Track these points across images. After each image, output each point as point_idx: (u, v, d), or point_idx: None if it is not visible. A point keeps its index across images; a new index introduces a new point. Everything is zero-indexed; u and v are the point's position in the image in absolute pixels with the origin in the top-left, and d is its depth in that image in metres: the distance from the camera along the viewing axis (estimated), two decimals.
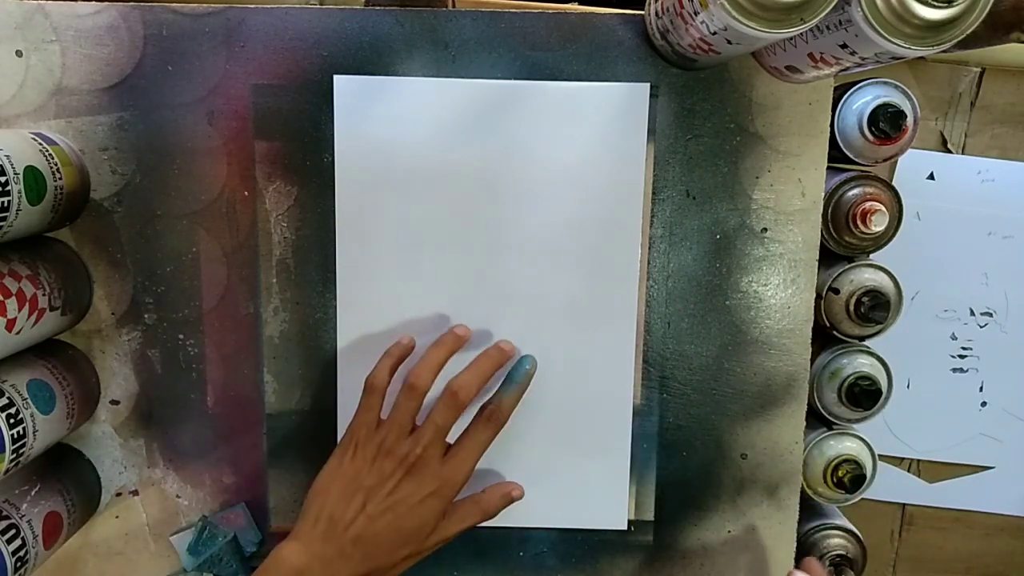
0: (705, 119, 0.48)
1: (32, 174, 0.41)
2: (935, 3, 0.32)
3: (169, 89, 0.47)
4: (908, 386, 0.63)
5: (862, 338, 0.52)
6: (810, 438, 0.52)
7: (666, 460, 0.51)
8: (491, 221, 0.48)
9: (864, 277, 0.50)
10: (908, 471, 0.65)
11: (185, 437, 0.50)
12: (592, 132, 0.47)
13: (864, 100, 0.49)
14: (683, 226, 0.49)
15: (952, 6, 0.32)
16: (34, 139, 0.43)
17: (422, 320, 0.49)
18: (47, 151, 0.43)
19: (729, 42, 0.38)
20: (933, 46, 0.33)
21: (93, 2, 0.46)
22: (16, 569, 0.41)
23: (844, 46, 0.36)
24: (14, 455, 0.40)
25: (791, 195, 0.49)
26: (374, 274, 0.48)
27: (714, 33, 0.37)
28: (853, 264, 0.51)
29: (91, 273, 0.48)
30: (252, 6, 0.46)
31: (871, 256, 0.52)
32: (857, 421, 0.52)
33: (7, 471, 0.40)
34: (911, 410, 0.63)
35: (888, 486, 0.65)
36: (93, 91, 0.47)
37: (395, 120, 0.47)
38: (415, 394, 0.43)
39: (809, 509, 0.54)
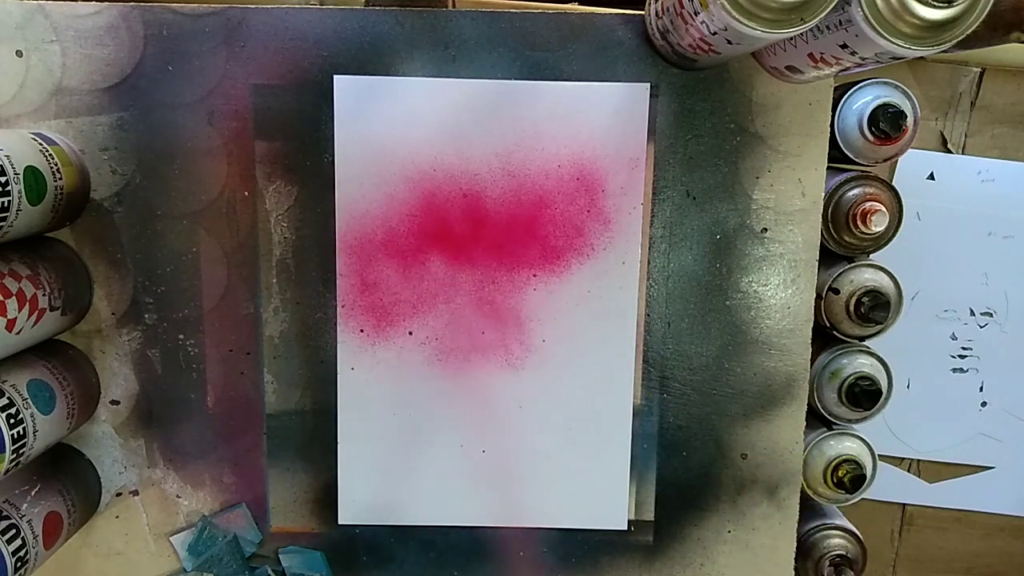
0: (705, 119, 0.48)
1: (32, 174, 0.41)
2: (935, 3, 0.32)
3: (169, 89, 0.47)
4: (908, 386, 0.63)
5: (862, 338, 0.52)
6: (810, 438, 0.52)
7: (666, 460, 0.51)
8: (491, 221, 0.48)
9: (864, 277, 0.50)
10: (908, 471, 0.65)
11: (185, 437, 0.50)
12: (592, 132, 0.47)
13: (864, 100, 0.49)
14: (683, 226, 0.49)
15: (952, 6, 0.32)
16: (34, 139, 0.43)
17: (423, 319, 0.49)
18: (47, 151, 0.43)
19: (729, 42, 0.38)
20: (933, 46, 0.33)
21: (93, 2, 0.46)
22: (16, 569, 0.41)
23: (844, 46, 0.36)
24: (14, 455, 0.40)
25: (791, 195, 0.49)
26: (374, 273, 0.48)
27: (714, 33, 0.37)
28: (853, 264, 0.51)
29: (91, 273, 0.48)
30: (252, 6, 0.46)
31: (871, 256, 0.51)
32: (857, 421, 0.52)
33: (7, 471, 0.40)
34: (911, 410, 0.63)
35: (888, 486, 0.65)
36: (93, 91, 0.47)
37: (395, 120, 0.47)
38: None
39: (809, 509, 0.54)
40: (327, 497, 0.51)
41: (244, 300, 0.49)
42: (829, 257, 0.51)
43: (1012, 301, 0.63)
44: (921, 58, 0.56)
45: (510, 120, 0.47)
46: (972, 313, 0.63)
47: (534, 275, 0.49)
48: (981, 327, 0.63)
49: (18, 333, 0.41)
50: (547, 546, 0.52)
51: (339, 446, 0.50)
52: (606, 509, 0.51)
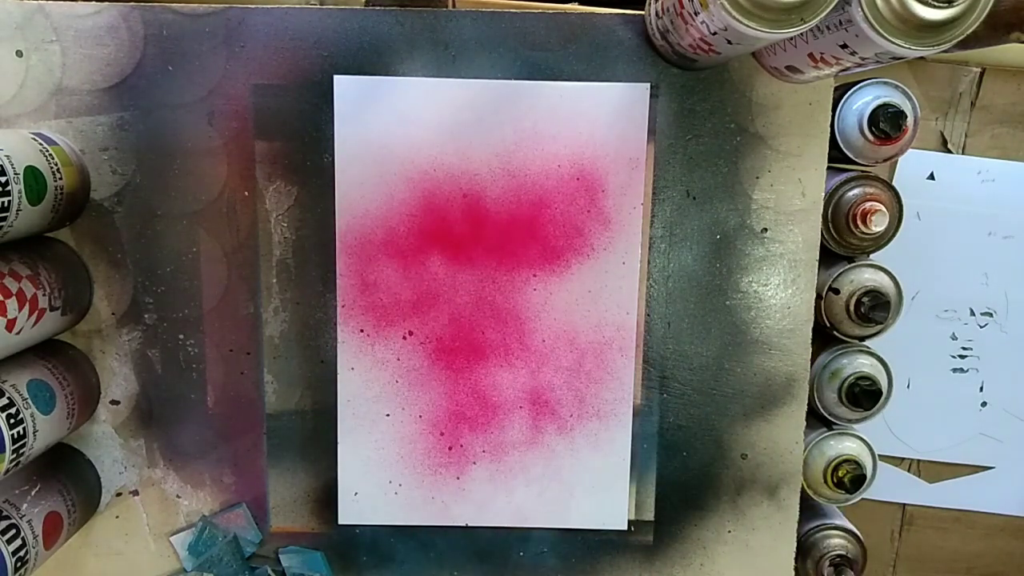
0: (705, 119, 0.48)
1: (32, 174, 0.41)
2: (935, 3, 0.32)
3: (169, 89, 0.47)
4: (908, 386, 0.63)
5: (862, 338, 0.52)
6: (810, 438, 0.52)
7: (666, 460, 0.51)
8: (491, 221, 0.48)
9: (864, 277, 0.50)
10: (908, 471, 0.65)
11: (185, 437, 0.50)
12: (592, 132, 0.47)
13: (864, 100, 0.49)
14: (683, 226, 0.49)
15: (952, 6, 0.32)
16: (34, 139, 0.43)
17: (423, 319, 0.49)
18: (47, 151, 0.43)
19: (729, 42, 0.38)
20: (933, 46, 0.33)
21: (93, 2, 0.46)
22: (16, 569, 0.41)
23: (844, 46, 0.36)
24: (14, 455, 0.40)
25: (791, 195, 0.49)
26: (374, 273, 0.48)
27: (714, 33, 0.37)
28: (853, 264, 0.51)
29: (91, 273, 0.48)
30: (252, 6, 0.46)
31: (871, 256, 0.52)
32: (857, 421, 0.52)
33: (7, 471, 0.40)
34: (911, 410, 0.63)
35: (888, 486, 0.65)
36: (93, 91, 0.47)
37: (395, 120, 0.47)
38: None
39: (809, 509, 0.54)
40: (327, 497, 0.51)
41: (244, 300, 0.49)
42: (829, 257, 0.51)
43: (1012, 301, 0.63)
44: (921, 58, 0.56)
45: (510, 120, 0.47)
46: (972, 313, 0.63)
47: (534, 275, 0.49)
48: (981, 327, 0.63)
49: (18, 333, 0.41)
50: (547, 546, 0.52)
51: (339, 446, 0.50)
52: (606, 509, 0.51)
